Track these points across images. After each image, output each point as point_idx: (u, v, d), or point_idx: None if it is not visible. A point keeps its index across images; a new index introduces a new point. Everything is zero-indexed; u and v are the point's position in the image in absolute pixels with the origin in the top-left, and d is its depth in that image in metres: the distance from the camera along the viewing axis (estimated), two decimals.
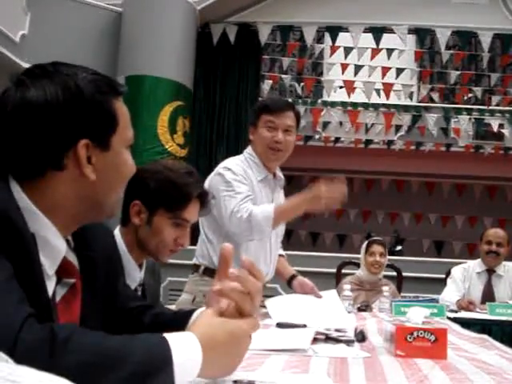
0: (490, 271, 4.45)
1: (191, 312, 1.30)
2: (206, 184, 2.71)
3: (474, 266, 4.52)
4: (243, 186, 2.74)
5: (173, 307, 2.68)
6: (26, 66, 6.45)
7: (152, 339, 0.93)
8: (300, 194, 2.63)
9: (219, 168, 2.83)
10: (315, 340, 1.80)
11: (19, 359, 0.63)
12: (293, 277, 2.99)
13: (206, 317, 1.01)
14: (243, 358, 1.05)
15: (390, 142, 10.34)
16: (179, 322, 1.29)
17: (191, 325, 1.02)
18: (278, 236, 2.97)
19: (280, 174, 2.99)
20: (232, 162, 2.86)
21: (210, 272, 2.76)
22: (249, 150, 2.94)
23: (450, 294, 4.33)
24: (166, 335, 0.93)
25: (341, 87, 9.21)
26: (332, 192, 2.54)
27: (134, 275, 1.99)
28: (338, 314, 2.68)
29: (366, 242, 4.43)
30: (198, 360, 0.93)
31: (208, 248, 2.79)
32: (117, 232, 2.01)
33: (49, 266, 1.07)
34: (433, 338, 1.60)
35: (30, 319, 0.89)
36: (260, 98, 8.55)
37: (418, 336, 1.60)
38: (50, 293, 1.07)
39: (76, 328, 0.94)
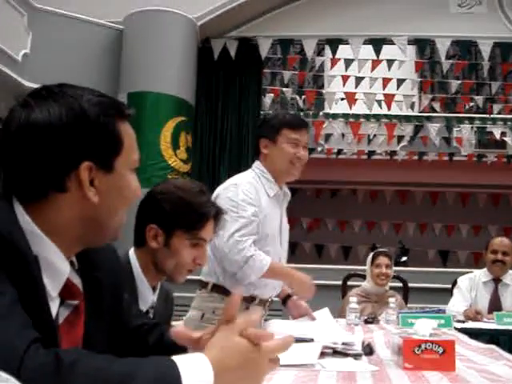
0: (497, 280, 4.42)
1: None
2: (213, 198, 2.69)
3: (480, 275, 4.50)
4: (249, 209, 2.70)
5: (180, 323, 2.67)
6: (29, 84, 6.50)
7: (160, 362, 0.89)
8: (296, 273, 2.78)
9: (230, 184, 2.79)
10: (323, 354, 1.79)
11: None
12: (288, 297, 2.97)
13: (221, 337, 0.95)
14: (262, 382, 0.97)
15: (393, 153, 10.36)
16: None
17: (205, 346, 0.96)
18: (284, 256, 2.97)
19: (286, 189, 2.97)
20: (244, 180, 2.80)
21: (218, 289, 2.74)
22: (258, 165, 2.89)
23: (457, 304, 4.31)
24: (175, 358, 0.90)
25: (342, 99, 9.23)
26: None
27: (147, 297, 1.97)
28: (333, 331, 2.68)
29: (372, 254, 4.41)
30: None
31: (216, 265, 2.76)
32: (131, 254, 1.99)
33: (52, 288, 1.06)
34: (441, 350, 1.59)
35: (35, 344, 0.88)
36: (262, 112, 8.59)
37: (425, 348, 1.60)
38: (54, 314, 1.07)
39: (82, 352, 0.93)
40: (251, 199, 2.73)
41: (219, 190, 2.81)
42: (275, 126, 2.84)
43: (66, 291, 1.10)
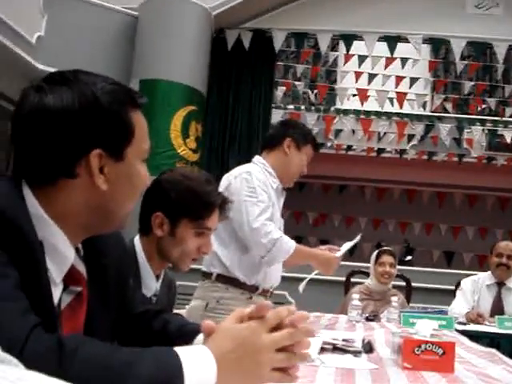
0: (500, 284, 4.41)
1: None
2: (224, 186, 2.73)
3: (484, 278, 4.49)
4: (264, 195, 2.77)
5: (183, 311, 2.68)
6: (42, 67, 6.51)
7: (162, 353, 0.90)
8: (320, 253, 2.88)
9: (242, 172, 2.83)
10: (322, 350, 1.80)
11: (27, 369, 0.63)
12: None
13: (223, 328, 0.95)
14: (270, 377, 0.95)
15: (403, 151, 10.32)
16: (190, 330, 1.29)
17: (209, 338, 0.95)
18: None
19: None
20: (254, 169, 2.87)
21: (222, 278, 2.76)
22: (260, 159, 2.97)
23: (459, 306, 4.30)
24: (177, 349, 0.90)
25: (354, 95, 9.20)
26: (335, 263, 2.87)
27: (151, 285, 1.98)
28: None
29: (376, 252, 4.41)
30: (211, 378, 0.89)
31: (220, 254, 2.77)
32: (136, 241, 2.00)
33: (56, 273, 1.07)
34: (440, 351, 1.59)
35: (37, 328, 0.88)
36: (273, 105, 8.58)
37: (425, 349, 1.60)
38: (56, 300, 1.07)
39: (84, 338, 0.93)
40: (265, 186, 2.81)
41: (229, 177, 2.85)
42: (306, 137, 2.99)
43: (70, 277, 1.11)
